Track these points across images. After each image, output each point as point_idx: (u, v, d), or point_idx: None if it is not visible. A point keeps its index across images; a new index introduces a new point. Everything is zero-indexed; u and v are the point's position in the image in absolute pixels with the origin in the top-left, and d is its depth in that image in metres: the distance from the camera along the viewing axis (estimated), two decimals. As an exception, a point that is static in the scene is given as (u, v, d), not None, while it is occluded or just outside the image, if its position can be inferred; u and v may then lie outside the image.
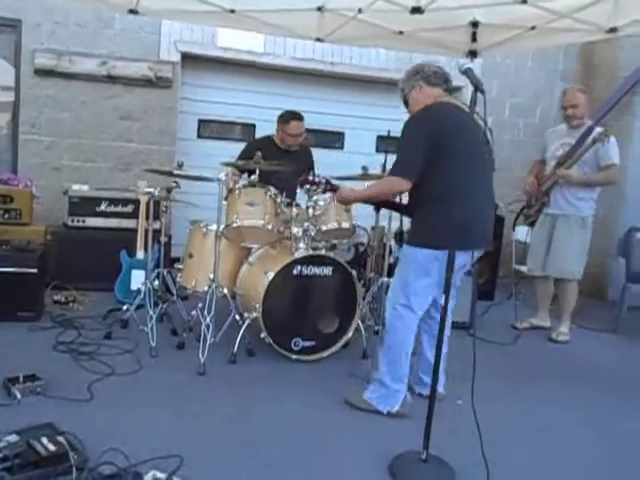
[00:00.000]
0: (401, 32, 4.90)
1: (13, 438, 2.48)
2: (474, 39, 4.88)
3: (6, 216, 5.24)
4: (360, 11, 4.54)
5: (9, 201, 5.25)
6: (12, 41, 5.88)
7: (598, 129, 4.83)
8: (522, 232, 5.73)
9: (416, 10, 4.25)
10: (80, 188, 5.54)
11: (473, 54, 5.22)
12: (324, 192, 3.83)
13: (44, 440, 2.49)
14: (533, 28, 4.51)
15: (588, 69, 7.47)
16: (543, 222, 5.15)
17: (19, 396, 3.07)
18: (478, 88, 2.58)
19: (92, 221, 5.47)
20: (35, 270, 4.41)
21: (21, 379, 3.17)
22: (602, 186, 4.99)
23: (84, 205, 5.45)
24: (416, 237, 3.25)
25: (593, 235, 5.04)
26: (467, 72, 2.64)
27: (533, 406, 3.43)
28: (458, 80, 3.33)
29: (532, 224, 5.30)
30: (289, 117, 4.97)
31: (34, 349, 3.87)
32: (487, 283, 6.28)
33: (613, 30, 4.19)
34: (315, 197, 4.10)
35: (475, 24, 4.72)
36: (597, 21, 4.14)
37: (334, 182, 3.72)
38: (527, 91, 7.55)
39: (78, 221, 5.43)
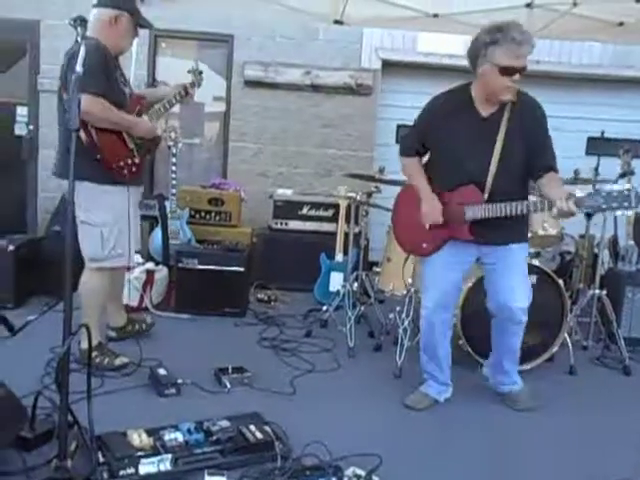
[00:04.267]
0: (621, 23, 4.55)
1: (225, 423, 2.63)
2: None
3: (217, 218, 5.66)
4: (575, 4, 4.29)
5: (220, 204, 5.66)
6: (225, 55, 6.38)
7: None
8: None
9: (644, -2, 3.95)
10: (284, 192, 5.80)
11: None
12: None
13: (252, 428, 2.60)
14: None
15: None
16: None
17: (229, 385, 3.26)
18: None
19: (294, 224, 5.70)
20: (242, 269, 4.67)
21: (230, 370, 3.36)
22: None
23: (287, 209, 5.70)
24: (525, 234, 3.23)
25: None
26: None
27: None
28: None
29: None
30: None
31: (240, 343, 4.09)
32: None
33: None
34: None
35: None
36: None
37: None
38: None
39: (282, 224, 5.69)
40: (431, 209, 3.08)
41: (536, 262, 3.89)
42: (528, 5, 4.47)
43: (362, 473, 2.36)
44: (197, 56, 6.39)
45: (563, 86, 6.68)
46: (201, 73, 3.84)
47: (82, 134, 3.07)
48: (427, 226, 3.12)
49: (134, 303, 4.40)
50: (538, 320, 3.81)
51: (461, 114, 2.99)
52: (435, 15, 4.76)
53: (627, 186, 3.26)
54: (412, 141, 3.22)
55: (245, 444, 2.50)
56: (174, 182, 5.14)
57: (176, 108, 4.84)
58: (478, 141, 2.96)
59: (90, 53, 3.10)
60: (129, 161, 3.32)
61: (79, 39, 2.17)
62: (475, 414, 3.24)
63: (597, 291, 4.26)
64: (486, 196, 2.97)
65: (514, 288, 3.08)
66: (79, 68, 2.20)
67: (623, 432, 3.09)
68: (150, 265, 4.60)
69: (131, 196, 3.41)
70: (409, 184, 3.32)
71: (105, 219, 3.31)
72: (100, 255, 3.35)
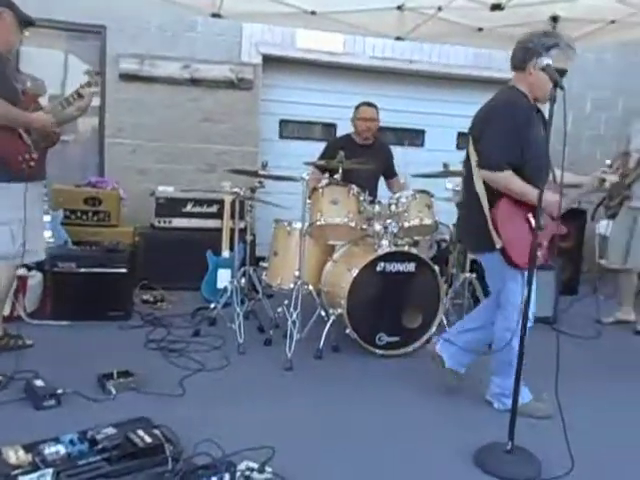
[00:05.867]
0: (480, 29, 4.89)
1: (111, 431, 2.51)
2: (554, 34, 4.85)
3: (95, 218, 5.43)
4: (440, 9, 4.55)
5: (97, 203, 5.44)
6: (97, 47, 6.10)
7: None
8: (604, 226, 5.59)
9: (496, 7, 4.30)
10: (166, 190, 5.65)
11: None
12: None
13: (140, 432, 2.51)
14: (613, 22, 4.48)
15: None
16: (624, 215, 5.03)
17: (114, 391, 3.13)
18: (558, 84, 2.48)
19: (178, 222, 5.58)
20: (124, 270, 4.50)
21: (115, 375, 3.23)
22: None
23: (170, 206, 5.57)
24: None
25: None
26: (547, 68, 2.55)
27: (618, 400, 3.33)
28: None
29: (613, 216, 5.15)
30: (360, 104, 5.02)
31: (126, 347, 3.95)
32: (570, 278, 6.15)
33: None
34: None
35: (555, 19, 4.69)
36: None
37: None
38: (609, 84, 7.27)
39: (165, 222, 5.55)
40: (556, 198, 2.85)
41: (414, 250, 4.06)
42: (399, 7, 4.63)
43: (255, 466, 2.36)
44: (66, 47, 6.10)
45: (436, 85, 6.99)
46: (98, 74, 3.80)
47: None
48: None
49: (5, 312, 4.12)
50: (417, 304, 4.02)
51: (532, 112, 3.02)
52: (313, 12, 4.81)
53: None
54: (510, 150, 2.93)
55: (133, 450, 2.41)
56: (45, 181, 4.87)
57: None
58: (542, 138, 2.97)
59: None
60: (27, 156, 3.36)
61: None
62: (363, 398, 3.33)
63: (468, 275, 4.59)
64: None
65: None
66: None
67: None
68: (22, 271, 4.32)
69: (30, 192, 3.38)
70: (502, 202, 2.97)
71: (12, 216, 3.33)
72: (12, 251, 3.36)
